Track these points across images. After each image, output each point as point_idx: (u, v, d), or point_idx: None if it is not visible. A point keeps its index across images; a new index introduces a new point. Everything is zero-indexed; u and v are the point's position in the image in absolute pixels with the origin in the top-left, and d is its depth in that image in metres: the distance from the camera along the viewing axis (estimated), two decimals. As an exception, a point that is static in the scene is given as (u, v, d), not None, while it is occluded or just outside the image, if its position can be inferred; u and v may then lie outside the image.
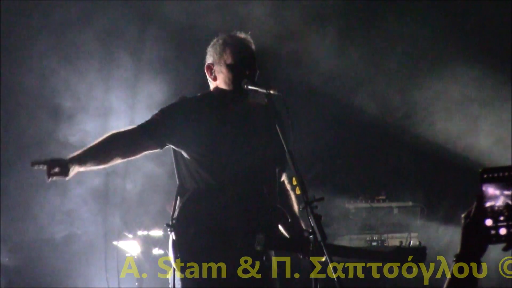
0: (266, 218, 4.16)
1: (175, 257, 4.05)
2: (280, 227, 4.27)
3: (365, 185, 7.93)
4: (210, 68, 4.31)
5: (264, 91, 3.96)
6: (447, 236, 7.40)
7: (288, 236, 4.26)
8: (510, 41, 7.54)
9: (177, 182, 4.31)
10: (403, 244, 4.24)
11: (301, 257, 4.15)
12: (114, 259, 7.00)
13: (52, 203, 6.88)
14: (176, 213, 4.11)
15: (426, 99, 7.82)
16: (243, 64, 4.23)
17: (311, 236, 3.66)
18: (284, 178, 4.48)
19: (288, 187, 4.49)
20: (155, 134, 4.27)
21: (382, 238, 7.41)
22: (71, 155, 4.21)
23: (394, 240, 7.45)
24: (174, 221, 4.08)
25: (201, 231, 4.06)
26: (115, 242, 7.01)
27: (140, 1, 7.12)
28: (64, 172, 4.14)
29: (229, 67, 4.24)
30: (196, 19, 6.95)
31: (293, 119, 3.83)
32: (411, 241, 4.33)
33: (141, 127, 4.30)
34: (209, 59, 4.32)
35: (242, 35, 4.34)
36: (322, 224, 3.63)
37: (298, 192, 3.75)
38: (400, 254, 4.19)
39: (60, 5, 6.90)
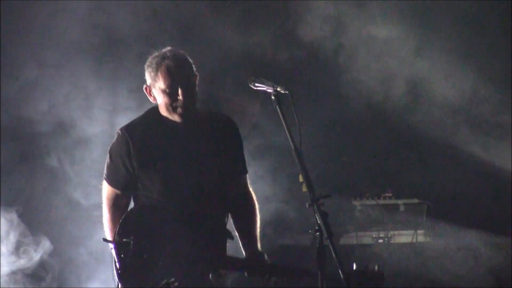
0: (208, 238, 4.16)
1: (117, 273, 4.05)
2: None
3: (372, 182, 7.92)
4: (149, 89, 4.31)
5: (271, 89, 3.96)
6: (454, 234, 7.40)
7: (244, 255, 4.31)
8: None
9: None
10: (360, 268, 3.99)
11: (247, 275, 4.18)
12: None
13: (60, 201, 6.91)
14: (118, 226, 4.12)
15: (432, 97, 7.83)
16: (176, 88, 4.21)
17: (317, 233, 3.67)
18: (246, 181, 4.49)
19: (250, 193, 4.49)
20: (126, 186, 4.30)
21: (389, 235, 7.41)
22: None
23: (400, 237, 7.47)
24: (116, 235, 4.08)
25: (141, 248, 4.05)
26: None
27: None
28: None
29: (163, 93, 4.23)
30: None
31: (300, 117, 3.83)
32: (369, 265, 4.11)
33: (112, 185, 4.32)
34: (147, 80, 4.31)
35: (175, 53, 4.27)
36: (328, 221, 3.65)
37: (304, 189, 3.76)
38: (353, 280, 4.05)
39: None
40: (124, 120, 4.44)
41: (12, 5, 6.87)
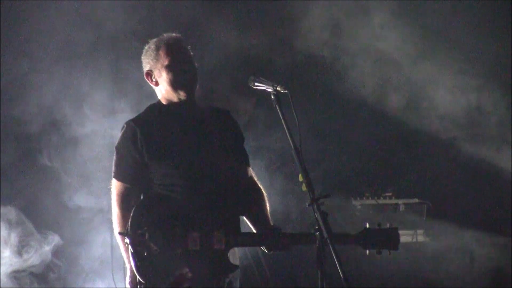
0: (224, 217, 4.15)
1: (136, 267, 4.01)
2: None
3: (372, 181, 7.92)
4: (150, 74, 4.35)
5: (271, 88, 3.96)
6: (454, 234, 7.40)
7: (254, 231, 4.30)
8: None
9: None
10: (373, 226, 4.10)
11: (266, 251, 4.17)
12: (120, 258, 7.00)
13: (60, 201, 6.91)
14: (129, 221, 4.08)
15: (432, 96, 7.83)
16: (179, 62, 4.29)
17: (317, 232, 3.67)
18: (251, 173, 4.50)
19: (257, 183, 4.50)
20: (135, 178, 4.27)
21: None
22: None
23: (400, 237, 7.44)
24: (128, 229, 4.04)
25: (156, 236, 4.02)
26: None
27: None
28: None
29: (167, 68, 4.28)
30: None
31: (299, 116, 3.83)
32: (382, 224, 4.19)
33: (121, 181, 4.28)
34: (146, 67, 4.36)
35: (171, 34, 4.38)
36: (328, 221, 3.65)
37: (304, 189, 3.76)
38: (366, 237, 4.11)
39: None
40: (118, 120, 4.43)
41: (10, 5, 6.86)
